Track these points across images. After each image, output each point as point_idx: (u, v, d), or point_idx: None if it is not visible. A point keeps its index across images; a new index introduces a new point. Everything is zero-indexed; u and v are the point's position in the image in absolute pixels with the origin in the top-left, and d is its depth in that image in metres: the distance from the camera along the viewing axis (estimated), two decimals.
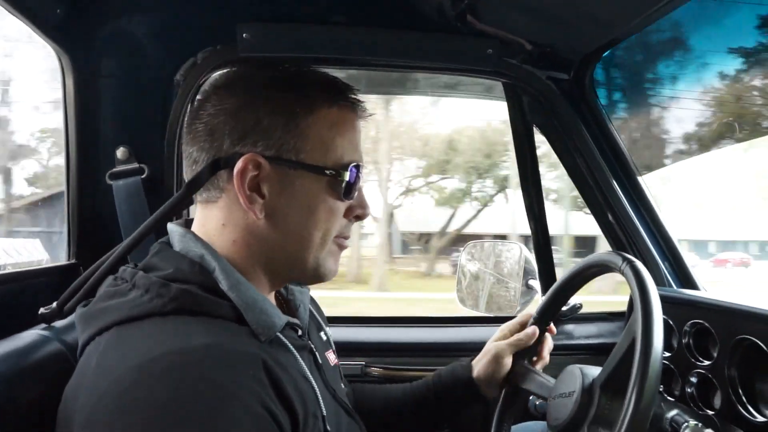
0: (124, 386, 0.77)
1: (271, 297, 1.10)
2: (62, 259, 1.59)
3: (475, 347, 1.46)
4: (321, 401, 0.99)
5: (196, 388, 0.76)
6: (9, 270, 1.42)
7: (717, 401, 1.40)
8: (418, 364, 1.85)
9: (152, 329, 0.86)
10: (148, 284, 0.91)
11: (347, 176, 1.02)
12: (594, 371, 1.16)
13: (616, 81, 1.93)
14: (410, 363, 1.86)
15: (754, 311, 1.32)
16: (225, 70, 1.05)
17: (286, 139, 0.98)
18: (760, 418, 1.27)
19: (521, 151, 1.93)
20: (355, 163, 1.03)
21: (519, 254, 1.94)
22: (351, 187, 1.03)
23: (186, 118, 1.04)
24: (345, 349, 1.81)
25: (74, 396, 0.85)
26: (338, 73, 2.01)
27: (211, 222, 1.02)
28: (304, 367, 0.99)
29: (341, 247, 1.10)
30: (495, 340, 1.44)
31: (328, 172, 1.00)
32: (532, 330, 1.41)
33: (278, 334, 0.97)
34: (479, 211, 21.96)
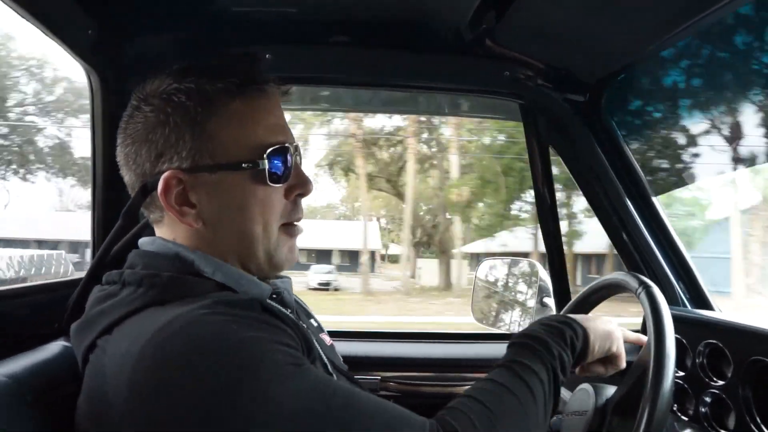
0: (149, 354, 0.82)
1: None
2: None
3: (490, 364, 1.47)
4: (321, 352, 1.05)
5: (218, 330, 0.84)
6: (36, 282, 1.45)
7: (731, 421, 1.39)
8: (434, 379, 1.86)
9: (153, 315, 0.89)
10: (138, 278, 0.95)
11: (266, 164, 1.00)
12: (607, 391, 1.18)
13: (632, 103, 1.95)
14: (426, 378, 1.87)
15: None
16: (134, 95, 1.04)
17: (197, 146, 0.98)
18: None
19: (537, 171, 1.95)
20: (276, 147, 1.02)
21: (534, 272, 1.96)
22: (279, 171, 1.03)
23: (117, 145, 1.06)
24: (361, 363, 1.83)
25: (98, 398, 0.87)
26: (357, 94, 2.06)
27: (166, 237, 1.05)
28: (300, 324, 1.02)
29: (290, 235, 1.09)
30: None
31: (245, 165, 0.99)
32: None
33: (270, 302, 1.00)
34: None
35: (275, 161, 1.02)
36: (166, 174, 0.98)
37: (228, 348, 0.82)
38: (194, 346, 0.82)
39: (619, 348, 1.22)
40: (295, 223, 1.10)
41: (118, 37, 1.58)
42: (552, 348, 1.07)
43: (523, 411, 0.97)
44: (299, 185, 1.08)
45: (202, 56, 1.65)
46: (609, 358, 1.22)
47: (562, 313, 1.44)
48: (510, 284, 2.01)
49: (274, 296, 1.09)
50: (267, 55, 1.64)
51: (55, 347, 1.16)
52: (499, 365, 1.05)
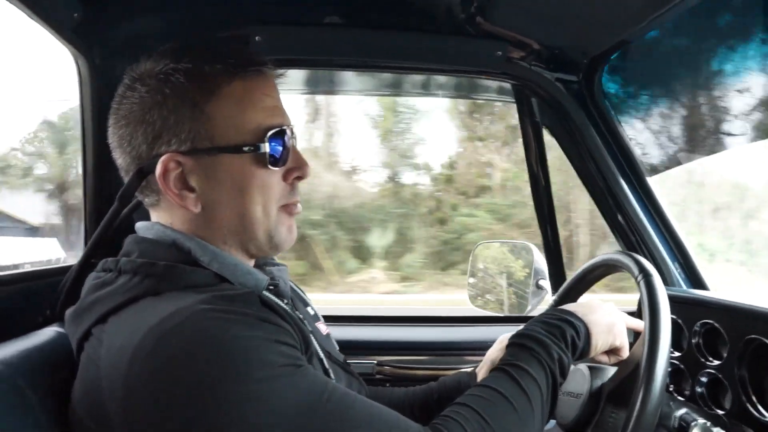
0: (144, 352, 0.82)
1: (251, 263, 1.11)
2: None
3: (486, 347, 1.47)
4: (317, 346, 1.04)
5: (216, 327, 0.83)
6: (28, 269, 1.44)
7: (727, 401, 1.39)
8: (430, 363, 1.86)
9: (150, 306, 0.88)
10: (134, 267, 0.94)
11: (267, 147, 0.99)
12: (602, 374, 1.18)
13: (625, 82, 1.93)
14: (422, 362, 1.87)
15: (764, 311, 1.32)
16: (127, 75, 1.03)
17: (196, 128, 0.97)
18: None
19: (531, 153, 1.94)
20: (275, 130, 1.01)
21: (529, 255, 1.95)
22: (278, 154, 1.02)
23: (108, 127, 1.04)
24: (356, 348, 1.83)
25: (92, 388, 0.87)
26: (348, 76, 2.04)
27: (163, 222, 1.04)
28: (296, 317, 1.02)
29: (290, 215, 1.08)
30: (494, 350, 1.42)
31: (246, 148, 0.98)
32: None
33: (267, 294, 1.00)
34: None
35: (275, 144, 1.01)
36: (164, 157, 0.96)
37: (223, 348, 0.82)
38: (190, 345, 0.82)
39: (623, 341, 1.21)
40: (294, 204, 1.09)
41: (104, 19, 1.55)
42: (552, 350, 1.06)
43: (518, 418, 0.97)
44: (297, 168, 1.07)
45: (191, 38, 1.65)
46: (613, 349, 1.21)
47: (560, 290, 1.43)
48: (505, 267, 2.01)
49: (271, 287, 1.08)
50: (257, 37, 1.62)
51: (48, 333, 1.15)
52: (497, 368, 1.05)
